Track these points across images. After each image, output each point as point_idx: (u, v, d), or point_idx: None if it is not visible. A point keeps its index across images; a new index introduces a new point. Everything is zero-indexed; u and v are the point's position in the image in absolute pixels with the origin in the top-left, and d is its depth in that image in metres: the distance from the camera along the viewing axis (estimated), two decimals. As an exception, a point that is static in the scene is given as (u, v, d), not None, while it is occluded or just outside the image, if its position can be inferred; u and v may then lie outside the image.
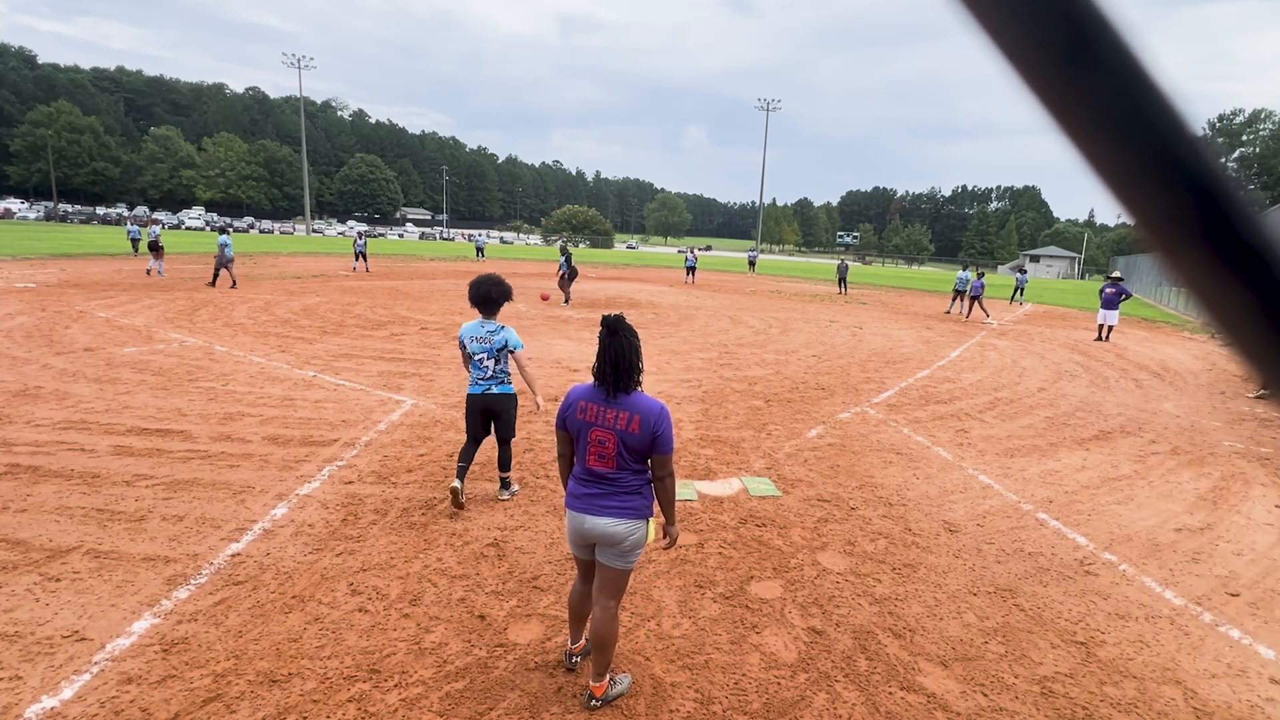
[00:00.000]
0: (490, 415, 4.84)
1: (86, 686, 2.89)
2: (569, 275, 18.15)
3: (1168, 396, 10.28)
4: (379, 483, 5.23)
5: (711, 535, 4.66)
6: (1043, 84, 0.27)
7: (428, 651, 3.25)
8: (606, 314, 2.92)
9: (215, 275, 17.63)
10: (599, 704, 2.91)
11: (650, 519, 2.92)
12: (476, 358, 4.69)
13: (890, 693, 3.14)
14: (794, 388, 9.33)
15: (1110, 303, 15.78)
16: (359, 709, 2.85)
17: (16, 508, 4.48)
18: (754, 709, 2.99)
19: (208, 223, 76.32)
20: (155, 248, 19.41)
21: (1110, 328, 16.03)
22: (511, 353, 4.74)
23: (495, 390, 4.76)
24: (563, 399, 2.99)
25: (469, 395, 4.80)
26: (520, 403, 5.24)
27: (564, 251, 18.44)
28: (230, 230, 18.91)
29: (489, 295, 4.69)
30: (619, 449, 2.80)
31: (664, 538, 3.01)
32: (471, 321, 4.77)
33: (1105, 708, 3.13)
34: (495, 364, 4.72)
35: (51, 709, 2.76)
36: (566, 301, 18.13)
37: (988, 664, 3.40)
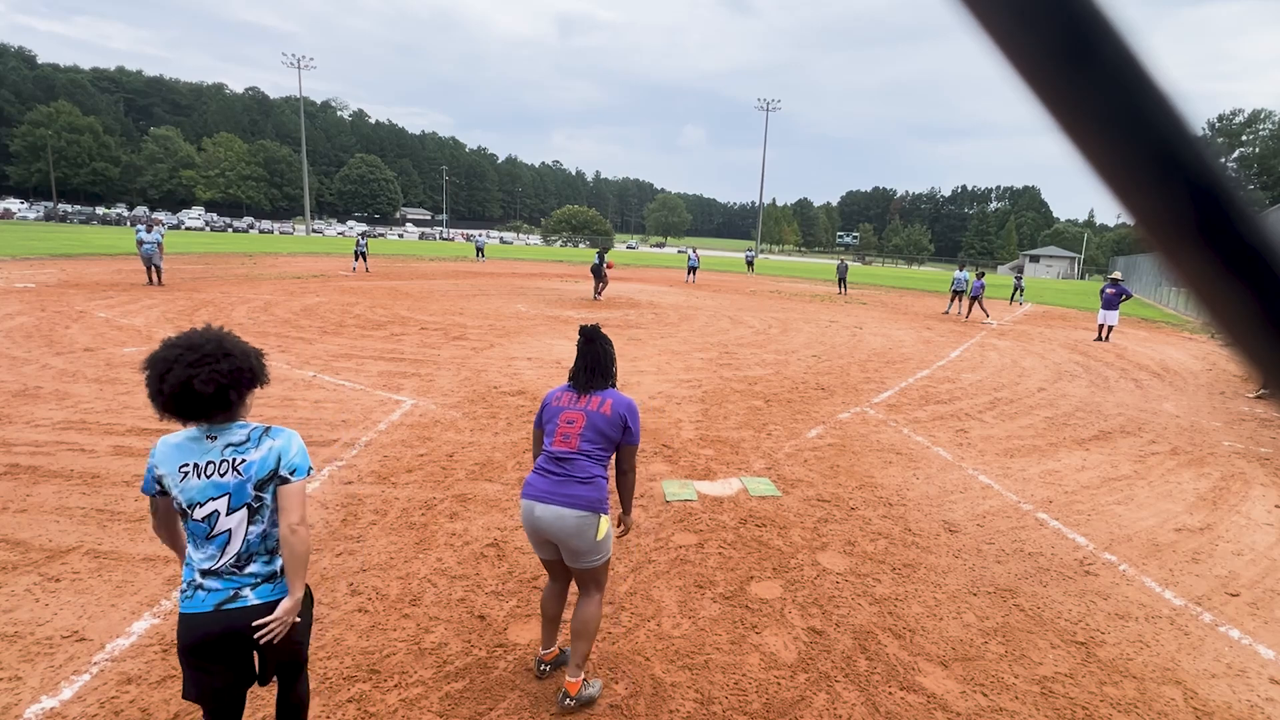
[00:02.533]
0: (247, 648, 2.09)
1: (86, 687, 2.89)
2: (598, 274, 19.77)
3: (1168, 396, 10.28)
4: (379, 483, 5.23)
5: (711, 535, 4.66)
6: (1043, 84, 0.27)
7: (428, 651, 3.25)
8: (584, 324, 3.06)
9: (153, 273, 16.82)
10: (572, 704, 2.86)
11: (604, 516, 2.85)
12: (199, 515, 2.02)
13: (890, 693, 3.14)
14: (794, 388, 9.33)
15: (1110, 303, 15.90)
16: (359, 709, 2.85)
17: (16, 508, 4.47)
18: (754, 709, 2.99)
19: (208, 223, 76.45)
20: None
21: (1110, 328, 16.11)
22: (284, 483, 2.10)
23: (255, 599, 2.05)
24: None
25: (184, 617, 2.02)
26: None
27: (601, 255, 19.94)
28: (161, 226, 17.62)
29: (207, 385, 1.97)
30: (584, 428, 2.87)
31: (619, 527, 3.09)
32: (178, 434, 2.08)
33: (1105, 708, 3.13)
34: (251, 525, 2.06)
35: (51, 709, 2.76)
36: (598, 297, 19.89)
37: (988, 664, 3.40)
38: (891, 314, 20.66)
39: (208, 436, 2.06)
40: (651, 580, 4.02)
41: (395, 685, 3.01)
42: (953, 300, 21.42)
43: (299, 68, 73.15)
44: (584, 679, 2.93)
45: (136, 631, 3.28)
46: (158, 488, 2.06)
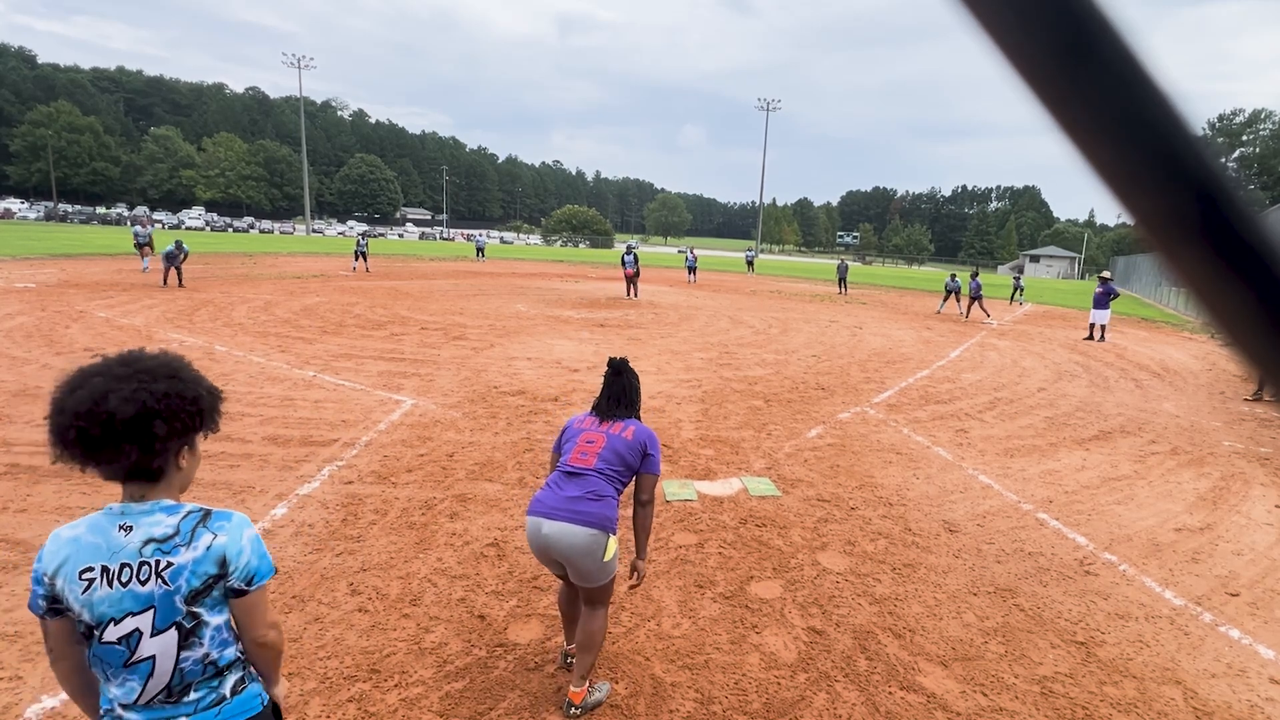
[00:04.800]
0: None
1: (86, 686, 2.89)
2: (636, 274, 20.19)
3: (1168, 396, 10.28)
4: (379, 483, 5.23)
5: (711, 535, 4.66)
6: (1043, 84, 0.27)
7: (428, 651, 3.25)
8: (613, 357, 3.15)
9: (171, 274, 16.93)
10: (578, 712, 2.84)
11: (612, 536, 2.80)
12: (111, 635, 1.45)
13: (890, 693, 3.15)
14: (794, 388, 9.33)
15: (1099, 302, 16.34)
16: (359, 709, 2.85)
17: (16, 508, 4.47)
18: (754, 709, 2.99)
19: (208, 223, 76.54)
20: (140, 246, 20.12)
21: (1103, 326, 16.37)
22: (239, 595, 1.56)
23: None
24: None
25: None
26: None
27: (630, 251, 20.15)
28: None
29: (128, 404, 1.39)
30: (604, 449, 2.88)
31: (632, 575, 2.98)
32: (77, 524, 1.48)
33: (1105, 708, 3.13)
34: (184, 651, 1.50)
35: (51, 709, 2.76)
36: (636, 296, 20.25)
37: (988, 664, 3.40)
38: (891, 314, 20.66)
39: (120, 527, 1.47)
40: (651, 580, 4.02)
41: (395, 685, 3.01)
42: (945, 299, 21.53)
43: (299, 68, 73.20)
44: (589, 686, 2.93)
45: (136, 631, 3.28)
46: (45, 605, 1.46)
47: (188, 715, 1.52)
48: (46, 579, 1.45)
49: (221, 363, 8.91)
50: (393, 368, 9.17)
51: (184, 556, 1.49)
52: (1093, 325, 16.41)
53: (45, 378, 7.64)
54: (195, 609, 1.50)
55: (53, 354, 8.81)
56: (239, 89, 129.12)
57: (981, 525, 5.10)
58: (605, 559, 2.76)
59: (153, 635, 1.47)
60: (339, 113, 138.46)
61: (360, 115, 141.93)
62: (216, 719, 1.55)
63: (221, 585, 1.54)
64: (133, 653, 1.46)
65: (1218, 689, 3.32)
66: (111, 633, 1.45)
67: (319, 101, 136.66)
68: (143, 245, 19.95)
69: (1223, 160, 0.27)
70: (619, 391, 3.04)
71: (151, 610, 1.47)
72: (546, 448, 6.19)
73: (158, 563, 1.47)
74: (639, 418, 3.08)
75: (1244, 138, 79.22)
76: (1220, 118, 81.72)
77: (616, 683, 3.10)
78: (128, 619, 1.45)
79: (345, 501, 4.86)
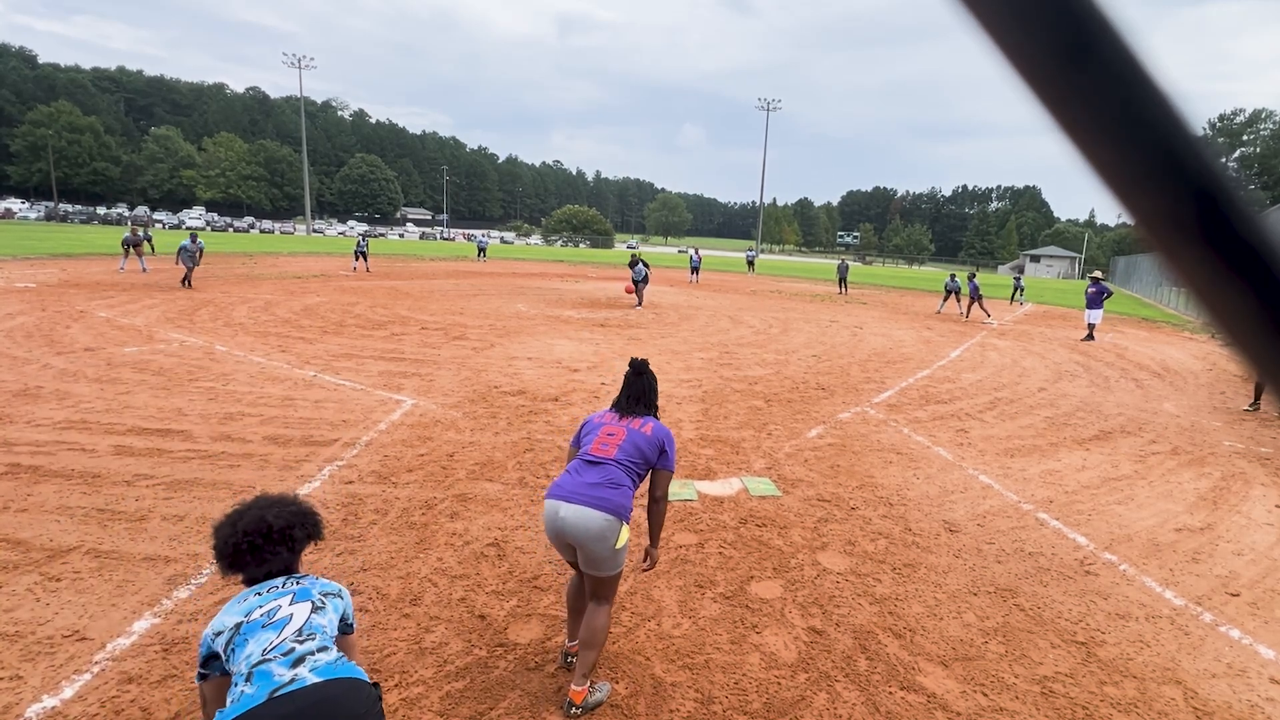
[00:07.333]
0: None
1: (87, 686, 2.90)
2: (642, 280, 19.12)
3: (1168, 396, 10.28)
4: (379, 483, 5.23)
5: (711, 535, 4.66)
6: (1043, 84, 0.27)
7: (428, 651, 3.25)
8: (634, 358, 3.31)
9: (189, 275, 17.15)
10: (578, 711, 2.85)
11: (625, 525, 2.86)
12: (256, 615, 1.93)
13: (890, 693, 3.15)
14: (794, 388, 9.33)
15: (1093, 301, 16.44)
16: (359, 709, 2.85)
17: (17, 508, 4.48)
18: (754, 709, 2.99)
19: (208, 223, 76.58)
20: (132, 244, 20.24)
21: (1091, 325, 16.52)
22: (350, 630, 2.19)
23: (316, 677, 1.79)
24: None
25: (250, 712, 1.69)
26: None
27: (635, 260, 19.36)
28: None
29: (279, 519, 2.12)
30: (624, 441, 3.00)
31: (645, 560, 3.14)
32: (237, 596, 2.05)
33: (1105, 708, 3.13)
34: (314, 615, 2.00)
35: (52, 708, 2.77)
36: (640, 304, 19.14)
37: (988, 664, 3.40)
38: (892, 314, 20.66)
39: (269, 576, 2.12)
40: (652, 580, 4.02)
41: (396, 685, 3.01)
42: (945, 299, 21.53)
43: (299, 68, 73.15)
44: (590, 686, 2.93)
45: (137, 631, 3.29)
46: (208, 657, 1.96)
47: (309, 667, 1.83)
48: (214, 629, 1.94)
49: (222, 363, 8.91)
50: (393, 368, 9.18)
51: (315, 581, 2.14)
52: (1091, 325, 16.50)
53: (46, 377, 7.65)
54: (324, 599, 2.08)
55: (53, 354, 8.81)
56: (239, 89, 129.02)
57: (982, 525, 5.10)
58: (617, 546, 2.83)
59: (291, 605, 2.00)
60: (339, 113, 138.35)
61: (360, 115, 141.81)
62: (333, 670, 1.85)
63: (340, 603, 2.14)
64: (272, 618, 1.94)
65: (1218, 689, 3.32)
66: (257, 613, 1.94)
67: (319, 101, 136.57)
68: (137, 244, 20.01)
69: (1223, 160, 0.27)
70: (639, 391, 3.19)
71: (292, 594, 2.03)
72: (547, 448, 6.20)
73: (298, 580, 2.10)
74: (657, 417, 3.21)
75: (1244, 138, 79.20)
76: (1220, 118, 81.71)
77: (617, 682, 3.10)
78: (272, 603, 1.99)
79: (345, 501, 4.86)
